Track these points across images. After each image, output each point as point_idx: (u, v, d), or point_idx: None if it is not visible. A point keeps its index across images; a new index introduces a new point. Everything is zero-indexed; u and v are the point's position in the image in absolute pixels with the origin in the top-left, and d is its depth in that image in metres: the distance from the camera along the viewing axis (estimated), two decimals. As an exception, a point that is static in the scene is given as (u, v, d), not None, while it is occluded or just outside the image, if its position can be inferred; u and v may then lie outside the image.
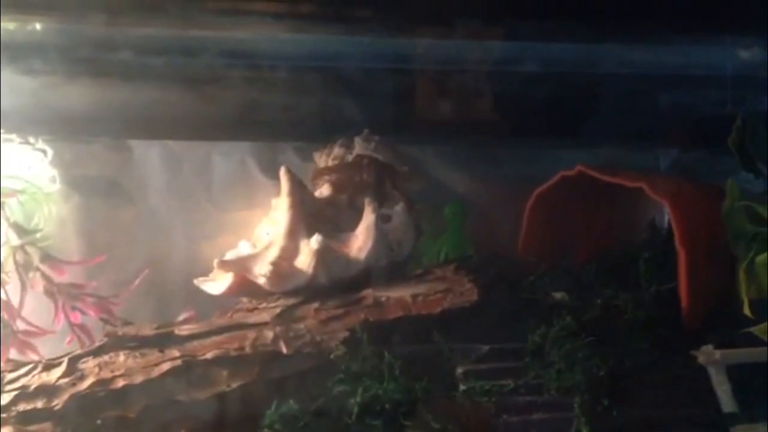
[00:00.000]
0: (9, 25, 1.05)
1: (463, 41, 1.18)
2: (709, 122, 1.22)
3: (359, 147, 1.08)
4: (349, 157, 1.09)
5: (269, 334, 0.86)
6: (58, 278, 0.97)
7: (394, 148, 1.09)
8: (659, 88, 1.24)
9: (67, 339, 0.97)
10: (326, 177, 1.08)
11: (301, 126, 1.16)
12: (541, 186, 1.05)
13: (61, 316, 0.96)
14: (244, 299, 0.98)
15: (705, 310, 0.90)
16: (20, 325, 0.93)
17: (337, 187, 1.07)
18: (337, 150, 1.09)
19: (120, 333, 0.85)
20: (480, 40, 1.18)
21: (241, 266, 0.96)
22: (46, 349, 0.94)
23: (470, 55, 1.21)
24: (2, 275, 0.93)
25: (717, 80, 1.21)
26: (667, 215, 1.10)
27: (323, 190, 1.07)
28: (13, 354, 0.92)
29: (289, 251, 0.97)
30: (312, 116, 1.14)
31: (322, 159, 1.11)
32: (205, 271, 1.01)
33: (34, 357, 0.91)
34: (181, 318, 0.99)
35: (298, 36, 1.17)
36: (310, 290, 0.93)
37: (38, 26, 1.08)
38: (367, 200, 1.01)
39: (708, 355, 0.84)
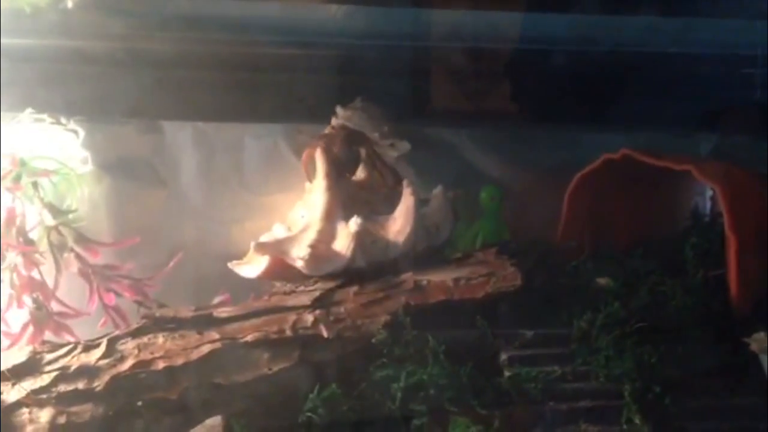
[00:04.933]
0: (40, 2, 1.03)
1: (499, 17, 1.16)
2: (751, 106, 1.20)
3: (339, 116, 1.06)
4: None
5: (309, 318, 0.84)
6: (92, 259, 0.95)
7: (372, 115, 1.06)
8: (701, 69, 1.21)
9: (101, 321, 0.95)
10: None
11: (334, 107, 1.13)
12: (582, 169, 1.03)
13: (96, 297, 0.94)
14: (278, 283, 0.96)
15: (754, 296, 0.88)
16: (55, 307, 0.92)
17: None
18: (333, 121, 1.08)
19: (158, 315, 0.83)
20: (515, 13, 1.15)
21: (278, 249, 0.95)
22: (79, 331, 0.93)
23: (506, 32, 1.19)
24: (36, 255, 0.92)
25: (757, 60, 1.19)
26: (709, 201, 1.08)
27: (359, 173, 1.06)
28: (47, 336, 0.90)
29: (327, 234, 0.95)
30: (346, 96, 1.12)
31: None
32: (238, 255, 0.99)
33: (70, 338, 0.90)
34: (215, 301, 0.97)
35: (330, 14, 1.15)
36: (348, 274, 0.92)
37: (70, 3, 1.06)
38: (405, 182, 0.99)
39: (761, 342, 0.82)
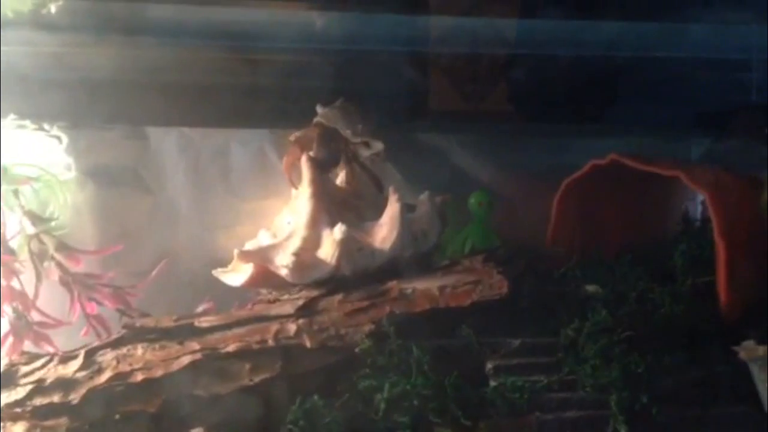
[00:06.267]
0: (23, 6, 1.02)
1: (486, 22, 1.15)
2: (743, 110, 1.19)
3: (318, 114, 1.05)
4: None
5: (292, 327, 0.83)
6: (73, 268, 0.94)
7: (348, 113, 1.04)
8: (691, 73, 1.20)
9: (83, 331, 0.94)
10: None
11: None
12: (570, 175, 1.01)
13: (77, 306, 0.93)
14: (263, 291, 0.95)
15: (744, 303, 0.87)
16: (35, 316, 0.91)
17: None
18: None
19: (138, 325, 0.82)
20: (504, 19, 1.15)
21: (261, 257, 0.93)
22: (60, 340, 0.92)
23: (494, 37, 1.18)
24: (16, 264, 0.90)
25: (751, 65, 1.18)
26: (700, 206, 1.07)
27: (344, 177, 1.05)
28: (27, 346, 0.89)
29: (312, 241, 0.94)
30: (332, 102, 1.11)
31: None
32: (224, 262, 0.98)
33: (50, 349, 0.89)
34: (199, 310, 0.96)
35: (315, 18, 1.15)
36: (333, 282, 0.90)
37: (53, 8, 1.05)
38: (391, 189, 0.98)
39: (750, 350, 0.80)
